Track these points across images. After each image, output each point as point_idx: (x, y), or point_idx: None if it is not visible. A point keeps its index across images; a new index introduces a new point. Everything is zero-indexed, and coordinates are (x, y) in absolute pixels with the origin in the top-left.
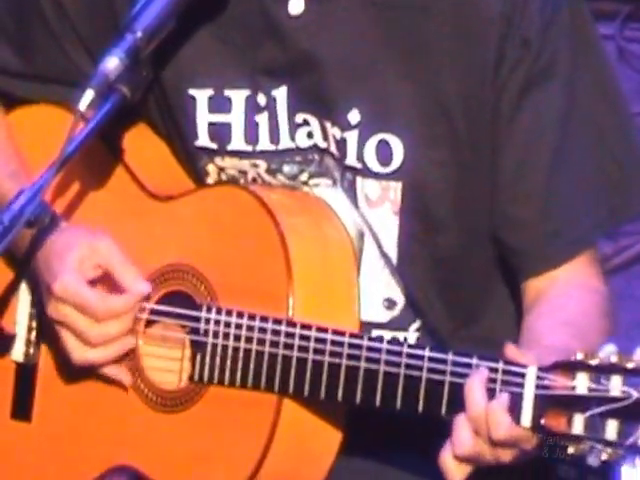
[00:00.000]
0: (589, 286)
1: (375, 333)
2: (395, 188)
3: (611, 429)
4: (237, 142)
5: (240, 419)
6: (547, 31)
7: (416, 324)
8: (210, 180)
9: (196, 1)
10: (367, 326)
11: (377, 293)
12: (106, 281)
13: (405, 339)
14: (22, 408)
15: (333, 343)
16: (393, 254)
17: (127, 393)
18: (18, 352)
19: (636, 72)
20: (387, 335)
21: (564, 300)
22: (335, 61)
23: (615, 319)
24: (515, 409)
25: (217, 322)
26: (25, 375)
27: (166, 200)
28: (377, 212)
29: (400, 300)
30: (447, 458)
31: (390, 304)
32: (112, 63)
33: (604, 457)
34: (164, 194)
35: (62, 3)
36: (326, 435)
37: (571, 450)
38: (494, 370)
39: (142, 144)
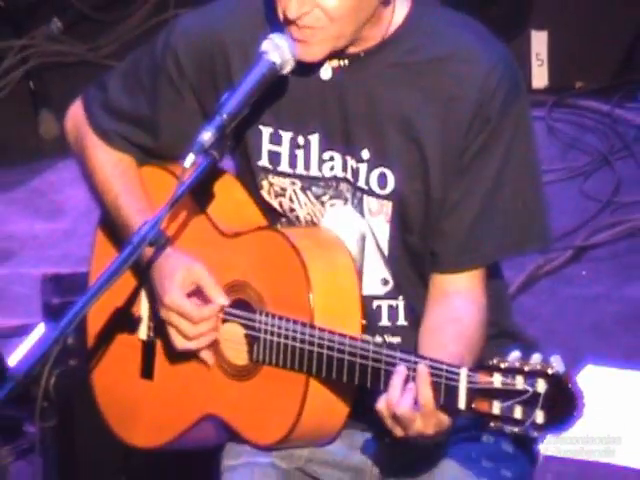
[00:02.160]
0: (479, 303)
1: (376, 303)
2: (388, 205)
3: (517, 412)
4: (283, 166)
5: (284, 388)
6: (503, 114)
7: (402, 296)
8: (263, 192)
9: (262, 93)
10: (369, 298)
11: (375, 275)
12: (199, 293)
13: (384, 342)
14: (147, 371)
15: (339, 343)
16: (385, 249)
17: (212, 366)
18: (143, 333)
19: (559, 141)
20: (384, 303)
21: (462, 314)
22: (354, 115)
23: (541, 315)
24: (453, 396)
25: (266, 323)
26: (148, 349)
27: (232, 237)
28: (376, 220)
29: (391, 280)
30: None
31: (384, 282)
32: (206, 136)
33: (514, 429)
34: (231, 232)
35: (186, 91)
36: (339, 399)
37: (492, 425)
38: (439, 369)
39: (219, 193)
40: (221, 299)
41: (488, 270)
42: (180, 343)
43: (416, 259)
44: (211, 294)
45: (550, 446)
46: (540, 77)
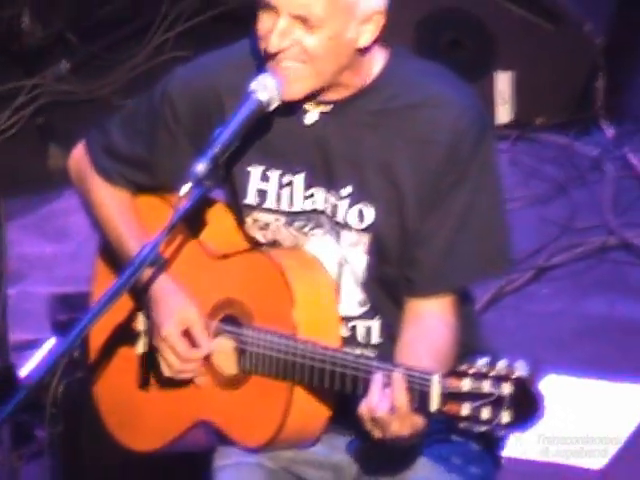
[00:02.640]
0: (450, 324)
1: (352, 323)
2: (366, 237)
3: (485, 413)
4: (269, 203)
5: (270, 394)
6: (472, 155)
7: (377, 316)
8: (247, 227)
9: (251, 128)
10: (348, 319)
11: (352, 297)
12: (189, 335)
13: (361, 354)
14: (145, 382)
15: (321, 354)
16: (361, 277)
17: (205, 376)
18: (140, 347)
19: (521, 171)
20: (360, 323)
21: (435, 333)
22: (336, 157)
23: (505, 329)
24: (426, 400)
25: (254, 336)
26: (146, 360)
27: (222, 259)
28: (354, 251)
29: (367, 303)
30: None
31: (361, 304)
32: (200, 167)
33: (482, 429)
34: (220, 254)
35: (179, 133)
36: (321, 404)
37: (462, 425)
38: (413, 376)
39: (210, 219)
40: (206, 348)
41: (458, 295)
42: (167, 372)
43: (391, 285)
44: (199, 339)
45: (514, 448)
46: (504, 114)
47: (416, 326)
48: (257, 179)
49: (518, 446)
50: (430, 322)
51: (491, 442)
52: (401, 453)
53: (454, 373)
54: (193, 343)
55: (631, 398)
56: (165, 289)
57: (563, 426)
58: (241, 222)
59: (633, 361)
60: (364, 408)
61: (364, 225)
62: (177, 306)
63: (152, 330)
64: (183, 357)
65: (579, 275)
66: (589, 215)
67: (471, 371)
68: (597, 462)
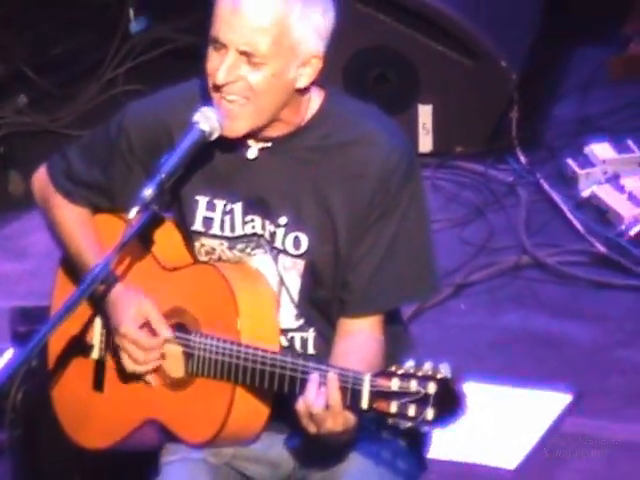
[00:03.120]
0: (378, 340)
1: (290, 334)
2: (301, 263)
3: (411, 410)
4: (215, 230)
5: (213, 395)
6: (400, 188)
7: (312, 329)
8: (195, 251)
9: (195, 158)
10: (286, 331)
11: (290, 312)
12: (147, 326)
13: (303, 354)
14: (99, 384)
15: (262, 357)
16: (296, 297)
17: (154, 384)
18: (95, 354)
19: (442, 196)
20: (297, 335)
21: (364, 347)
22: (274, 189)
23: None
24: (357, 398)
25: (200, 342)
26: (99, 365)
27: (172, 270)
28: (289, 274)
29: (301, 317)
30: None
31: (297, 318)
32: (147, 192)
33: (408, 425)
34: (171, 267)
35: (133, 163)
36: (260, 405)
37: (390, 421)
38: (346, 376)
39: (161, 235)
40: (165, 332)
41: (388, 314)
42: (130, 367)
43: (323, 305)
44: (157, 328)
45: (434, 449)
46: (426, 143)
47: (347, 341)
48: (204, 208)
49: (439, 447)
50: (360, 337)
51: (417, 440)
52: (334, 448)
53: (384, 373)
54: (152, 332)
55: (541, 404)
56: (119, 292)
57: (480, 428)
58: (190, 245)
59: (544, 370)
60: (301, 405)
61: (299, 252)
62: (132, 302)
63: (111, 332)
64: (145, 347)
65: (495, 291)
66: (504, 236)
67: (399, 372)
68: (511, 462)
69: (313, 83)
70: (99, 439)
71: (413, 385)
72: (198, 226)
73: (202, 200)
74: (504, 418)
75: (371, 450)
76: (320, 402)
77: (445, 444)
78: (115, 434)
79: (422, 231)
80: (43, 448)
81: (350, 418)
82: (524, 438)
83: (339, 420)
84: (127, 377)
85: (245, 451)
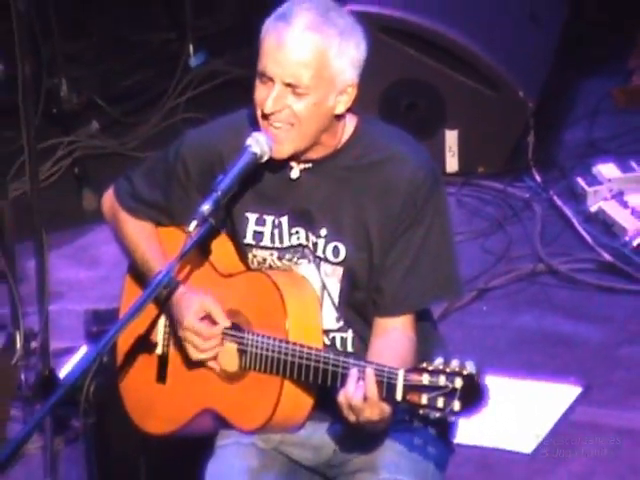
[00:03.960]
0: (410, 337)
1: (331, 335)
2: (339, 269)
3: (440, 402)
4: (265, 242)
5: (264, 388)
6: (426, 201)
7: (351, 330)
8: (249, 261)
9: (245, 179)
10: (328, 332)
11: (331, 315)
12: (208, 318)
13: (343, 351)
14: (161, 376)
15: (307, 353)
16: (336, 300)
17: (210, 371)
18: (159, 350)
19: (466, 211)
20: (337, 335)
21: (398, 344)
22: (315, 204)
23: (453, 340)
24: (392, 391)
25: (253, 340)
26: (163, 360)
27: (227, 277)
28: (330, 279)
29: (341, 319)
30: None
31: (337, 320)
32: (205, 207)
33: (437, 415)
34: (226, 273)
35: (189, 186)
36: (305, 396)
37: (421, 412)
38: (382, 371)
39: (217, 246)
40: (225, 322)
41: (418, 313)
42: (194, 355)
43: (360, 307)
44: (217, 318)
45: (460, 435)
46: (452, 164)
47: (383, 339)
48: (253, 223)
49: (464, 433)
50: (394, 335)
51: (445, 428)
52: (371, 436)
53: (416, 369)
54: (212, 323)
55: (554, 395)
56: (181, 294)
57: (500, 417)
58: (244, 255)
59: (556, 365)
60: (342, 397)
61: (338, 259)
62: (194, 300)
63: (175, 328)
64: (206, 335)
65: (513, 295)
66: (521, 246)
67: (430, 368)
68: (527, 447)
69: (349, 109)
70: (162, 426)
71: (442, 380)
72: (249, 239)
73: (252, 217)
74: (521, 408)
75: (404, 437)
76: (359, 394)
77: (469, 431)
78: (176, 421)
79: (446, 241)
80: (112, 434)
81: (386, 409)
82: (539, 425)
83: (376, 410)
84: (188, 370)
85: (291, 437)
